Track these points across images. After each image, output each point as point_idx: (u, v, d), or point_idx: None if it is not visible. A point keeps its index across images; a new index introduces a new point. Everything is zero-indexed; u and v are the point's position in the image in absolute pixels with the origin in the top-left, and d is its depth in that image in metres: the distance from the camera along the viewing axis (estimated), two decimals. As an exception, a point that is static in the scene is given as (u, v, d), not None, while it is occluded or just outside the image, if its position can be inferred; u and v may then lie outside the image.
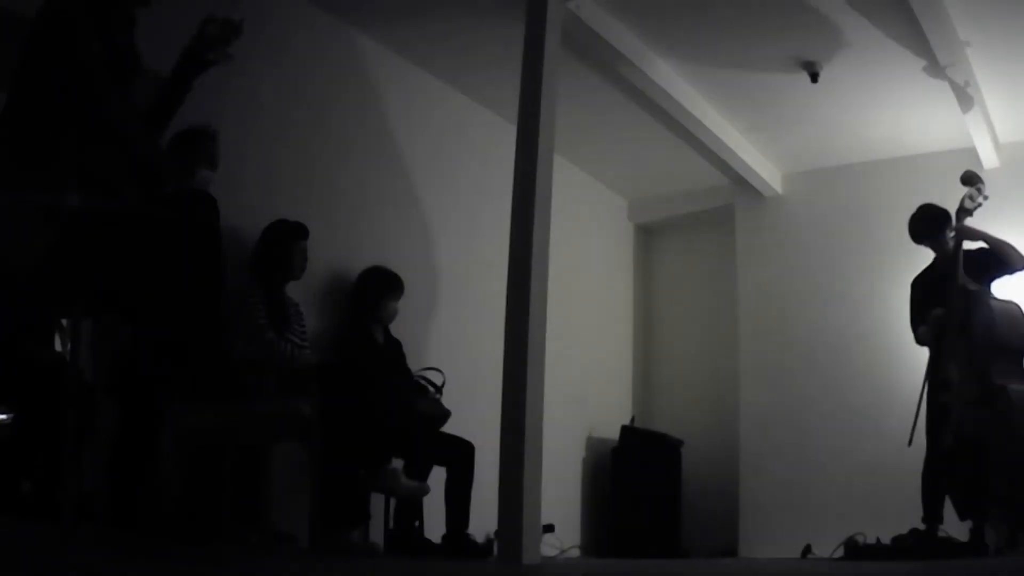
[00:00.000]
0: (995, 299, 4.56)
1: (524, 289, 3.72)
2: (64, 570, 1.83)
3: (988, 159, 5.83)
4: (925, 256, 4.95)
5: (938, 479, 4.54)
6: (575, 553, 6.05)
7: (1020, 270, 4.62)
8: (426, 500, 4.35)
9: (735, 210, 6.91)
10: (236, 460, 3.48)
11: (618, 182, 7.23)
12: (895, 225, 5.07)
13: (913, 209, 4.90)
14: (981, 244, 4.65)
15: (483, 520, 4.27)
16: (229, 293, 3.32)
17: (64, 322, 2.95)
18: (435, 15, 4.87)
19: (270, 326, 3.89)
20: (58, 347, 3.00)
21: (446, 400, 4.59)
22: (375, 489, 4.20)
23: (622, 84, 5.34)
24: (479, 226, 5.53)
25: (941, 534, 4.54)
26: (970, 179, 4.65)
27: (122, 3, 2.76)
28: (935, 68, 4.97)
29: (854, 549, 4.95)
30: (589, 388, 6.60)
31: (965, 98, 5.18)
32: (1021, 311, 4.51)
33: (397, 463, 4.26)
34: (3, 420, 2.81)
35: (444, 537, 4.27)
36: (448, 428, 4.49)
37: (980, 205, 4.62)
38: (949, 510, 4.51)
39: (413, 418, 4.36)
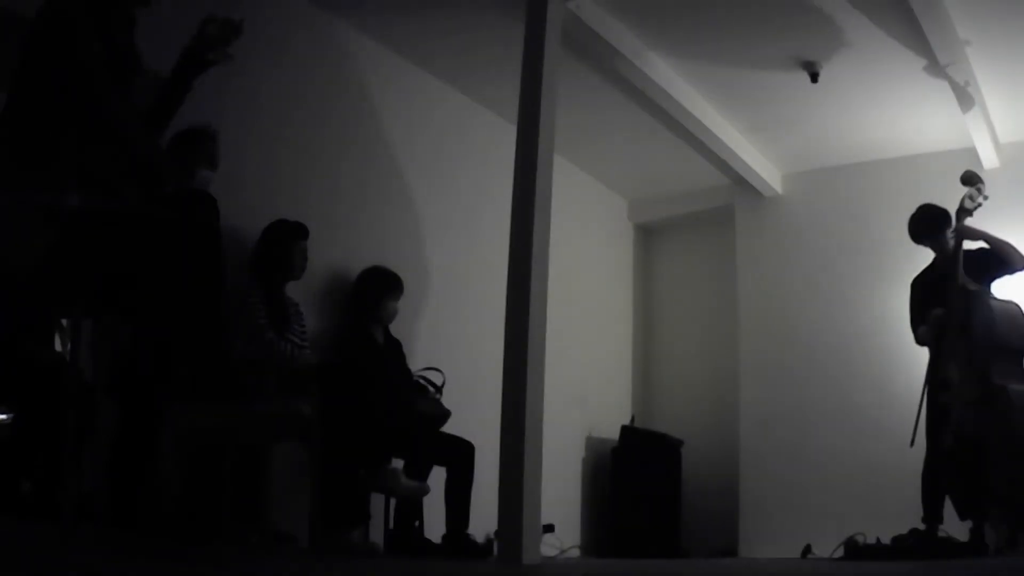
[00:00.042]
0: (995, 299, 4.56)
1: (524, 289, 3.72)
2: (64, 570, 1.83)
3: (988, 159, 5.83)
4: (925, 256, 4.95)
5: (938, 479, 4.54)
6: (575, 553, 6.05)
7: (1020, 270, 4.62)
8: (426, 500, 4.35)
9: (735, 210, 6.91)
10: (236, 460, 3.48)
11: (618, 182, 7.23)
12: (895, 225, 5.07)
13: (913, 209, 4.90)
14: (981, 244, 4.65)
15: (483, 520, 4.27)
16: (229, 293, 3.32)
17: (64, 322, 2.95)
18: (435, 15, 4.87)
19: (270, 326, 3.89)
20: (58, 347, 3.00)
21: (446, 400, 4.59)
22: (375, 489, 4.20)
23: (622, 84, 5.34)
24: (479, 226, 5.53)
25: (941, 534, 4.54)
26: (970, 179, 4.64)
27: (122, 3, 2.76)
28: (935, 68, 4.97)
29: (854, 549, 4.95)
30: (589, 388, 6.60)
31: (965, 98, 5.18)
32: (1021, 311, 4.51)
33: (397, 463, 4.27)
34: (3, 420, 2.81)
35: (444, 537, 4.27)
36: (448, 428, 4.49)
37: (980, 205, 4.62)
38: (949, 510, 4.51)
39: (413, 418, 4.36)
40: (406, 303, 4.71)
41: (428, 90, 5.48)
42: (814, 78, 5.22)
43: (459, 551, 4.19)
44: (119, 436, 3.09)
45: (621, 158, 6.71)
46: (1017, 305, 4.53)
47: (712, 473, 6.71)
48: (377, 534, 4.33)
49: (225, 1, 3.21)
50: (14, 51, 2.63)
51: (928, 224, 4.81)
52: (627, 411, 7.03)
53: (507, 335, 3.74)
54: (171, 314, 2.63)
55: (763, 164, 6.55)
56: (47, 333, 2.99)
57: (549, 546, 5.24)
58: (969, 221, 4.60)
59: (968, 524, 4.38)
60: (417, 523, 4.37)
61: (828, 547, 5.22)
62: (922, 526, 4.59)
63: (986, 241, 4.63)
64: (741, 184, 6.64)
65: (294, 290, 4.17)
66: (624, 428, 6.56)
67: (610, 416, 6.74)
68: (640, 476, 6.29)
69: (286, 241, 4.08)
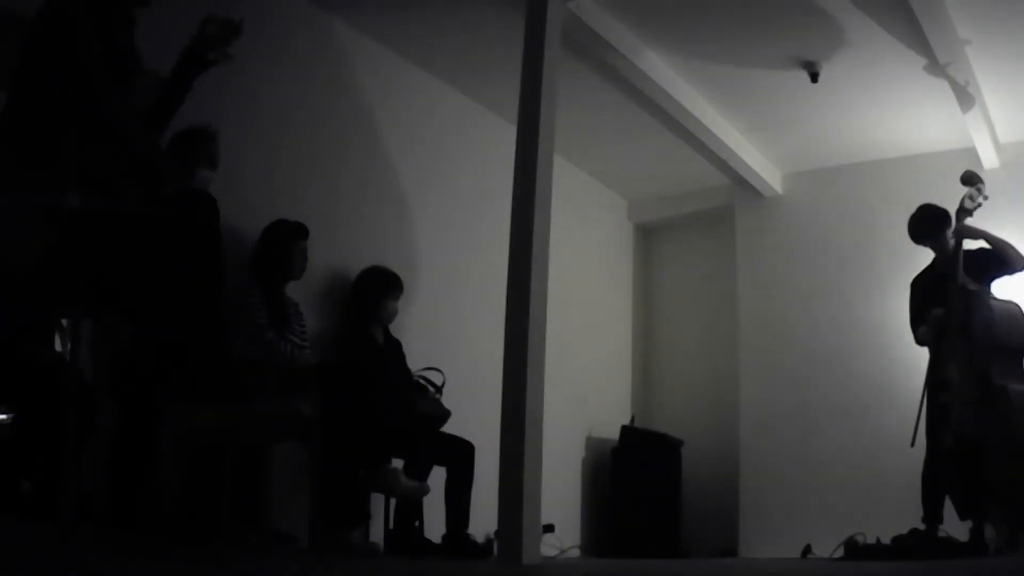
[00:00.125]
0: (995, 299, 4.56)
1: (524, 289, 3.72)
2: (64, 570, 1.83)
3: (988, 159, 5.83)
4: (925, 256, 4.95)
5: (938, 479, 4.54)
6: (575, 553, 6.05)
7: (1020, 270, 4.62)
8: (426, 500, 4.35)
9: (735, 210, 6.91)
10: (236, 460, 3.48)
11: (618, 182, 7.23)
12: (895, 225, 5.07)
13: (913, 209, 4.90)
14: (981, 244, 4.65)
15: (483, 520, 4.27)
16: (229, 293, 3.32)
17: (64, 322, 2.95)
18: (435, 15, 4.87)
19: (270, 326, 3.89)
20: (58, 347, 2.99)
21: (446, 400, 4.59)
22: (375, 489, 4.20)
23: (622, 84, 5.33)
24: (479, 226, 5.52)
25: (941, 534, 4.54)
26: (970, 179, 4.64)
27: (122, 3, 2.76)
28: (935, 67, 4.97)
29: (854, 549, 4.95)
30: (589, 388, 6.60)
31: (965, 97, 5.18)
32: (1021, 311, 4.51)
33: (397, 463, 4.27)
34: (3, 420, 2.81)
35: (444, 537, 4.27)
36: (448, 428, 4.49)
37: (980, 205, 4.62)
38: (949, 510, 4.51)
39: (413, 418, 4.36)
40: (406, 303, 4.71)
41: (428, 90, 5.48)
42: (814, 78, 5.21)
43: (459, 551, 4.19)
44: (119, 436, 3.08)
45: (621, 158, 6.71)
46: (1017, 305, 4.53)
47: (712, 473, 6.71)
48: (377, 534, 4.33)
49: (225, 1, 3.21)
50: (14, 51, 2.63)
51: (928, 224, 4.81)
52: (627, 411, 7.03)
53: (507, 335, 3.73)
54: (171, 314, 2.63)
55: (763, 164, 6.55)
56: (47, 333, 2.99)
57: (549, 546, 5.24)
58: (969, 221, 4.60)
59: (968, 524, 4.38)
60: (417, 523, 4.37)
61: (828, 547, 5.22)
62: (922, 526, 4.59)
63: (986, 241, 4.63)
64: (741, 184, 6.64)
65: (294, 290, 4.17)
66: (624, 428, 6.56)
67: (610, 416, 6.74)
68: (640, 476, 6.29)
69: (286, 241, 4.08)
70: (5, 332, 2.75)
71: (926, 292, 4.81)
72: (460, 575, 3.17)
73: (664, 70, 5.30)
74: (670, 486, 6.40)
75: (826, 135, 6.16)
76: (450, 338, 5.28)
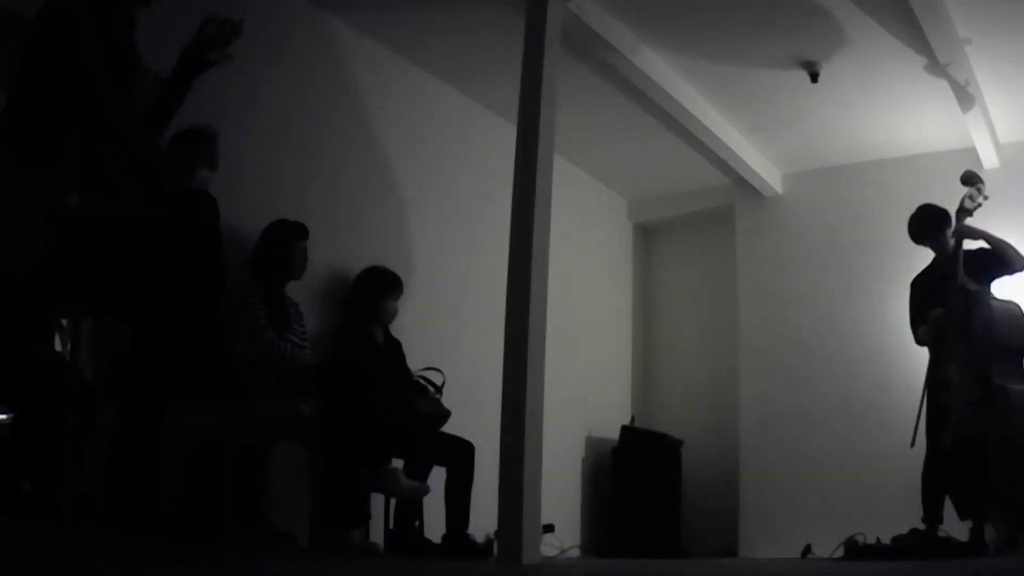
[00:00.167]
0: (995, 299, 4.56)
1: (524, 289, 3.72)
2: (64, 570, 1.83)
3: (988, 159, 5.83)
4: (925, 256, 4.95)
5: (938, 479, 4.54)
6: (575, 553, 6.05)
7: (1020, 270, 4.62)
8: (426, 500, 4.35)
9: (735, 210, 6.91)
10: (236, 460, 3.48)
11: (618, 182, 7.23)
12: (895, 225, 5.07)
13: (913, 209, 4.90)
14: (981, 244, 4.65)
15: (483, 520, 4.27)
16: (229, 293, 3.32)
17: (64, 322, 2.95)
18: (435, 15, 4.87)
19: (270, 326, 3.89)
20: (58, 347, 3.00)
21: (446, 400, 4.59)
22: (375, 489, 4.20)
23: (622, 84, 5.33)
24: (479, 226, 5.52)
25: (941, 534, 4.54)
26: (970, 179, 4.64)
27: (122, 3, 2.76)
28: (935, 67, 4.97)
29: (854, 549, 4.95)
30: (589, 388, 6.60)
31: (965, 97, 5.18)
32: (1021, 311, 4.51)
33: (397, 463, 4.27)
34: (3, 420, 2.81)
35: (444, 537, 4.27)
36: (448, 428, 4.49)
37: (980, 205, 4.62)
38: (949, 510, 4.51)
39: (413, 418, 4.36)
40: (406, 303, 4.71)
41: (428, 90, 5.48)
42: (814, 78, 5.22)
43: (459, 551, 4.19)
44: (119, 436, 3.08)
45: (621, 158, 6.71)
46: (1017, 305, 4.53)
47: (712, 473, 6.71)
48: (377, 534, 4.33)
49: (225, 1, 3.21)
50: (14, 51, 2.63)
51: (928, 224, 4.81)
52: (627, 411, 7.03)
53: (507, 335, 3.73)
54: (171, 314, 2.63)
55: (763, 164, 6.55)
56: (47, 333, 2.99)
57: (549, 546, 5.24)
58: (969, 221, 4.60)
59: (968, 524, 4.38)
60: (417, 523, 4.37)
61: (828, 547, 5.22)
62: (922, 526, 4.59)
63: (986, 241, 4.63)
64: (741, 184, 6.64)
65: (294, 290, 4.17)
66: (624, 428, 6.56)
67: (610, 416, 6.74)
68: (640, 476, 6.29)
69: (286, 241, 4.08)
70: (5, 332, 2.75)
71: (926, 292, 4.81)
72: (460, 575, 3.17)
73: (664, 70, 5.30)
74: (670, 486, 6.40)
75: (826, 135, 6.16)
76: (450, 338, 5.28)
